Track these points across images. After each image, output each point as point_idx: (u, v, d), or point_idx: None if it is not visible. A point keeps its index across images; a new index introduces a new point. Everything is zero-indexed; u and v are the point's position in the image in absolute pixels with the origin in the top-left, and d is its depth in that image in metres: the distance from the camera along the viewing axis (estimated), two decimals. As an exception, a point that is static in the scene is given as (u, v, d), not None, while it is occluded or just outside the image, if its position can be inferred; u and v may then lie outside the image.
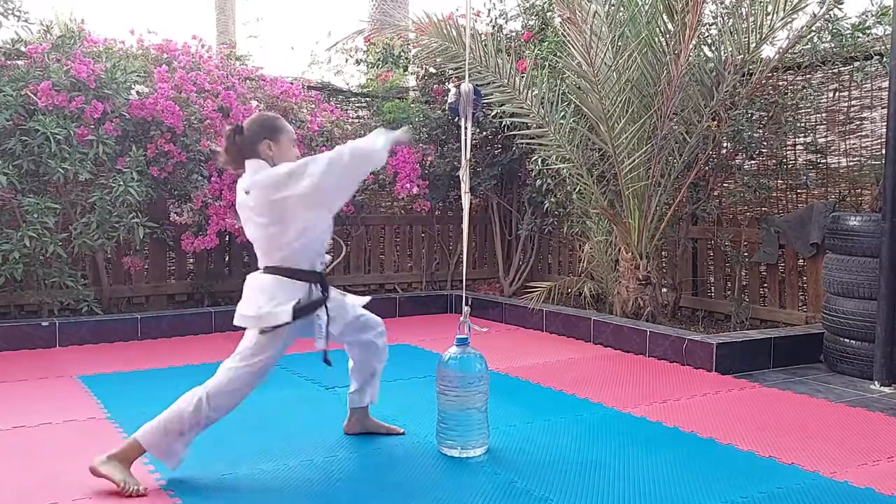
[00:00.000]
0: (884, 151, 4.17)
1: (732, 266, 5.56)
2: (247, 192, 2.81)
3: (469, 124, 3.26)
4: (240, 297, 2.90)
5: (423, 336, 5.44)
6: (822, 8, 4.78)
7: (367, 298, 3.14)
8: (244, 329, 2.83)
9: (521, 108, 5.39)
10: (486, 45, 5.44)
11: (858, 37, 4.85)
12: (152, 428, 2.69)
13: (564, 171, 5.58)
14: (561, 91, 5.41)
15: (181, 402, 2.72)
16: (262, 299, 2.78)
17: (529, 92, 5.34)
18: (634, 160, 5.02)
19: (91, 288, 5.38)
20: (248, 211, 2.82)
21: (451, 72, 6.46)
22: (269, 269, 2.82)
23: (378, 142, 2.86)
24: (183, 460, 2.73)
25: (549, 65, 5.87)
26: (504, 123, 6.14)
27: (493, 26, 6.82)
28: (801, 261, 5.25)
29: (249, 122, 2.91)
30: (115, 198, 5.02)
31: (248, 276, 2.89)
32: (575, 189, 5.65)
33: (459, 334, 3.00)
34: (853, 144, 5.07)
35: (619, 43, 5.05)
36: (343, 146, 2.82)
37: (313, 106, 6.21)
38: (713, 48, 5.15)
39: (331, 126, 6.12)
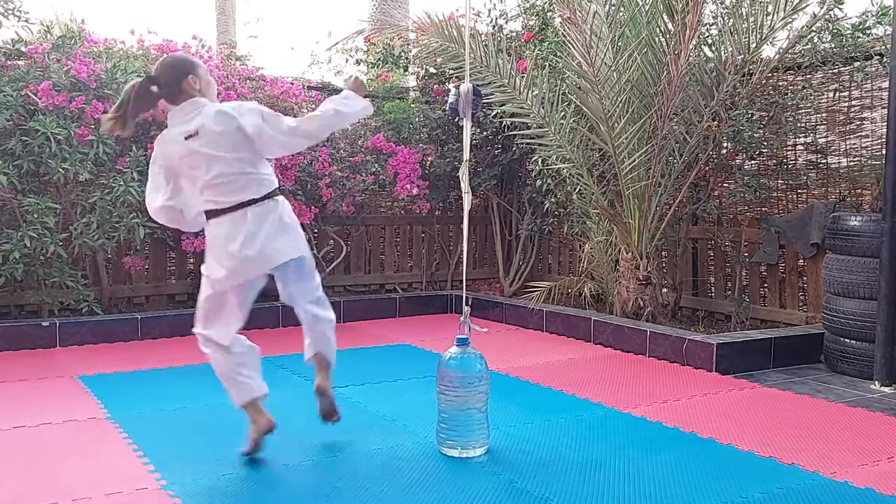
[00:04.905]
0: (884, 151, 4.17)
1: (733, 266, 5.56)
2: (195, 134, 2.80)
3: (469, 124, 3.26)
4: None
5: (423, 336, 5.45)
6: (822, 8, 4.78)
7: None
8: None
9: (522, 108, 5.39)
10: (486, 45, 5.44)
11: (859, 37, 4.85)
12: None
13: (564, 171, 5.58)
14: (561, 91, 5.41)
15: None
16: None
17: (529, 92, 5.34)
18: (634, 160, 5.02)
19: (91, 288, 5.39)
20: (206, 150, 2.80)
21: (451, 72, 6.46)
22: (269, 196, 2.92)
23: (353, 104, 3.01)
24: None
25: (550, 65, 5.87)
26: (504, 123, 6.14)
27: (494, 26, 6.82)
28: (801, 261, 5.25)
29: (160, 67, 2.90)
30: (116, 198, 5.02)
31: (269, 206, 2.90)
32: (575, 189, 5.65)
33: (460, 334, 3.00)
34: (853, 144, 5.07)
35: (620, 43, 5.05)
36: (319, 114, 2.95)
37: (314, 106, 6.21)
38: (713, 48, 5.15)
39: (331, 126, 6.12)
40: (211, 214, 2.89)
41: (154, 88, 2.86)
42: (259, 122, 2.84)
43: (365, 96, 3.06)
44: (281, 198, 2.96)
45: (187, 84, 2.85)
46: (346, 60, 8.14)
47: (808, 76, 5.23)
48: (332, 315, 3.17)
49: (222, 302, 2.92)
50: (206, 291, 2.93)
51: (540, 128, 5.40)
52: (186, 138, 2.80)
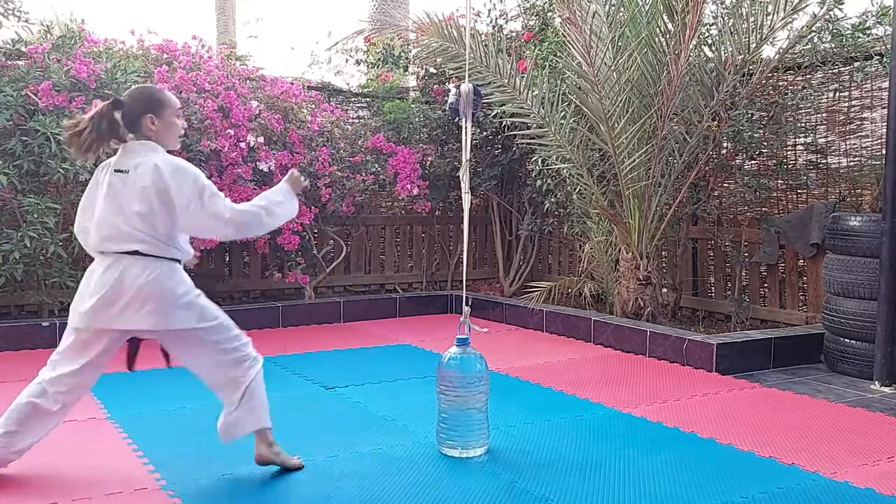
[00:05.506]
0: (884, 151, 4.17)
1: (733, 266, 5.56)
2: (125, 172, 2.64)
3: (469, 124, 3.26)
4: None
5: (424, 336, 5.45)
6: (822, 8, 4.78)
7: None
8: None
9: (522, 108, 5.39)
10: (486, 46, 5.44)
11: (858, 37, 4.85)
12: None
13: (564, 171, 5.58)
14: (561, 91, 5.41)
15: None
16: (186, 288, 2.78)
17: (530, 92, 5.34)
18: (634, 160, 5.02)
19: (91, 288, 5.38)
20: (123, 191, 2.63)
21: (451, 72, 6.46)
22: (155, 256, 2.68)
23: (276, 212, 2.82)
24: None
25: (550, 65, 5.88)
26: (504, 123, 6.14)
27: (494, 26, 6.82)
28: (801, 261, 5.25)
29: (129, 94, 2.74)
30: (116, 198, 5.01)
31: (150, 264, 2.66)
32: (575, 189, 5.65)
33: (460, 334, 3.00)
34: (853, 144, 5.07)
35: (620, 43, 5.05)
36: (252, 213, 2.73)
37: (314, 106, 6.21)
38: (713, 48, 5.15)
39: (331, 126, 6.12)
40: (96, 254, 2.73)
41: (118, 115, 2.68)
42: (194, 197, 2.61)
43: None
44: (172, 265, 2.72)
45: (145, 122, 2.68)
46: (346, 60, 8.15)
47: (808, 76, 5.23)
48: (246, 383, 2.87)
49: (73, 342, 2.77)
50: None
51: (540, 128, 5.40)
52: (116, 170, 2.67)
